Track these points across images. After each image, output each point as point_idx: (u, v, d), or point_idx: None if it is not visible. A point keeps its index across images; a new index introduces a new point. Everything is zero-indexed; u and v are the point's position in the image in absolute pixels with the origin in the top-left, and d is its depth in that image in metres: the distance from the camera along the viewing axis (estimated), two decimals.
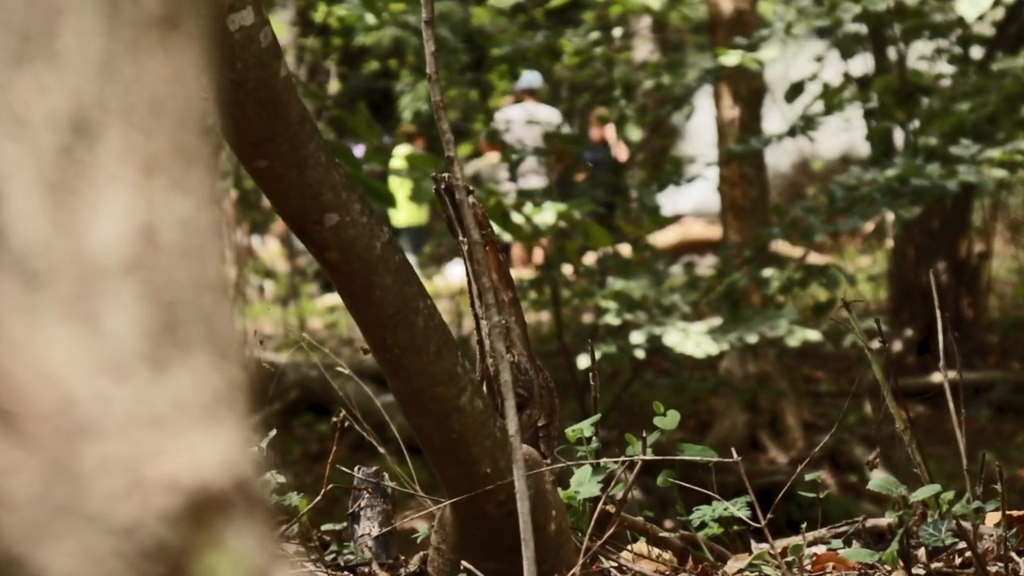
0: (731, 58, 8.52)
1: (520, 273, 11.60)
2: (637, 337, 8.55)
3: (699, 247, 17.16)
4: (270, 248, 17.75)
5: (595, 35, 9.09)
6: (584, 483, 3.06)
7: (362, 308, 2.68)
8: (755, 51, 8.86)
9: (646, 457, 3.00)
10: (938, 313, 3.63)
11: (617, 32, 9.01)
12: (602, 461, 3.10)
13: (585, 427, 3.16)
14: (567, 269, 9.33)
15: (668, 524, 4.08)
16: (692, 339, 8.48)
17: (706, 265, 13.16)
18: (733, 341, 8.55)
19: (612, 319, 8.57)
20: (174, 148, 0.73)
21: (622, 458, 3.04)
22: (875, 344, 11.20)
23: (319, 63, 14.78)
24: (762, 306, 9.01)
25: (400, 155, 8.09)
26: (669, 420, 3.45)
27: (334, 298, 15.10)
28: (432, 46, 2.57)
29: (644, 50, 22.61)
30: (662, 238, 16.85)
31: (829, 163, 16.73)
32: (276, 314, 13.85)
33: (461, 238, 2.82)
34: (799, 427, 10.36)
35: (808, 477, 3.61)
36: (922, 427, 10.79)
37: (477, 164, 15.11)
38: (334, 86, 14.67)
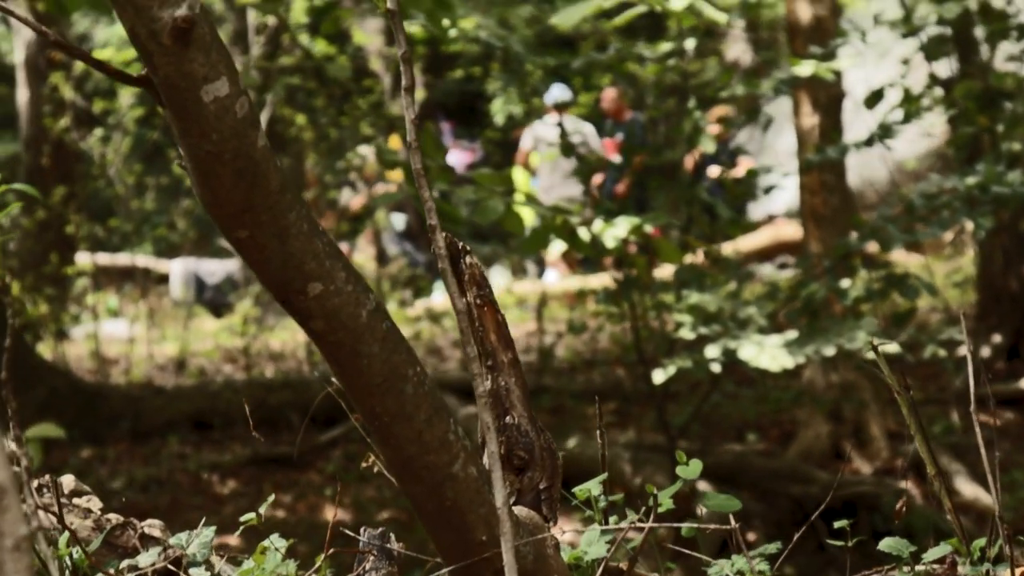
0: (805, 68, 8.40)
1: (603, 279, 11.52)
2: (712, 351, 8.46)
3: (792, 248, 17.03)
4: (365, 252, 17.80)
5: (668, 46, 9.01)
6: (592, 544, 3.00)
7: (350, 377, 2.64)
8: (831, 60, 8.73)
9: (653, 524, 2.93)
10: (968, 353, 3.53)
11: (690, 44, 8.89)
12: (609, 526, 3.04)
13: (593, 486, 3.10)
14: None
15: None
16: (768, 352, 8.37)
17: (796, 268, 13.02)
18: (810, 354, 8.44)
19: (687, 333, 8.49)
20: None
21: (627, 523, 2.98)
22: (964, 348, 10.87)
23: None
24: (843, 316, 8.89)
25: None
26: (691, 470, 3.38)
27: (423, 305, 15.12)
28: (412, 113, 2.53)
29: (736, 49, 22.48)
30: (753, 240, 16.75)
31: (923, 162, 16.52)
32: None
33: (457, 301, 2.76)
34: (884, 437, 10.20)
35: (840, 523, 3.54)
36: (1011, 434, 10.63)
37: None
38: (420, 95, 14.66)
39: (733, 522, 2.95)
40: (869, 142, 8.83)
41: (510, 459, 2.89)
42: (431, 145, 7.69)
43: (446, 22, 7.95)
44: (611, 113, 14.68)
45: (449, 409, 2.73)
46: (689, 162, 11.24)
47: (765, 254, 17.47)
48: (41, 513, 3.18)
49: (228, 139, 2.46)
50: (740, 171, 17.77)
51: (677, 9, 7.10)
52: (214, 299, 17.02)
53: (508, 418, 2.92)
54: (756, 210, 18.06)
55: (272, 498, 3.11)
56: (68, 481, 3.56)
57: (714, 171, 17.89)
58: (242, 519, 3.05)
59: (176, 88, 2.43)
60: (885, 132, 8.81)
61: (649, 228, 8.26)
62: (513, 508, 2.78)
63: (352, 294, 2.59)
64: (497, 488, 2.45)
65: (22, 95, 14.62)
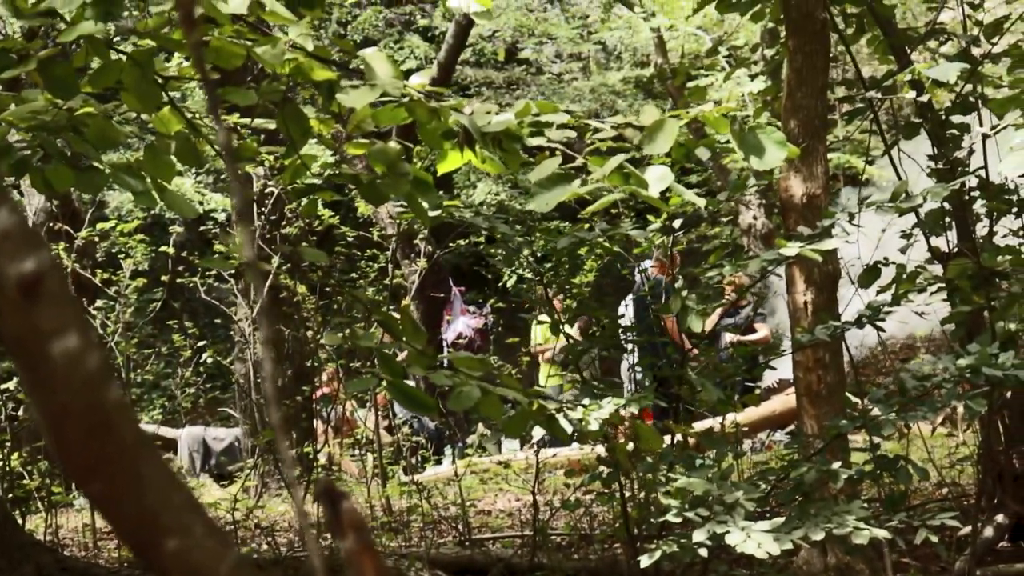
0: (791, 249, 8.33)
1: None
2: (700, 535, 8.31)
3: None
4: (371, 421, 17.66)
5: (656, 224, 8.97)
6: None
7: None
8: (820, 241, 8.66)
9: None
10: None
11: (676, 224, 8.87)
12: None
13: None
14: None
15: None
16: (754, 538, 8.22)
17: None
18: (796, 540, 8.28)
19: (673, 518, 8.35)
20: None
21: None
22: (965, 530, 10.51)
23: (411, 239, 14.77)
24: (837, 498, 8.74)
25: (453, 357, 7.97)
26: None
27: (432, 473, 14.99)
28: (269, 365, 2.46)
29: (750, 215, 22.51)
30: (762, 409, 16.59)
31: (928, 337, 16.43)
32: (363, 493, 13.70)
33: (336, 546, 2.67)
34: None
35: None
36: None
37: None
38: (422, 263, 14.66)
39: None
40: (859, 323, 8.74)
41: None
42: (409, 330, 7.62)
43: (425, 204, 7.91)
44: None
45: None
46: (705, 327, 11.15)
47: (776, 422, 17.32)
48: None
49: (78, 393, 2.40)
50: (757, 337, 17.70)
51: (653, 196, 7.04)
52: (220, 466, 16.91)
53: None
54: (768, 376, 17.95)
55: None
56: None
57: (728, 338, 17.80)
58: None
59: (24, 343, 2.37)
60: (874, 313, 8.71)
61: (635, 408, 8.16)
62: None
63: (211, 549, 2.50)
64: None
65: None
